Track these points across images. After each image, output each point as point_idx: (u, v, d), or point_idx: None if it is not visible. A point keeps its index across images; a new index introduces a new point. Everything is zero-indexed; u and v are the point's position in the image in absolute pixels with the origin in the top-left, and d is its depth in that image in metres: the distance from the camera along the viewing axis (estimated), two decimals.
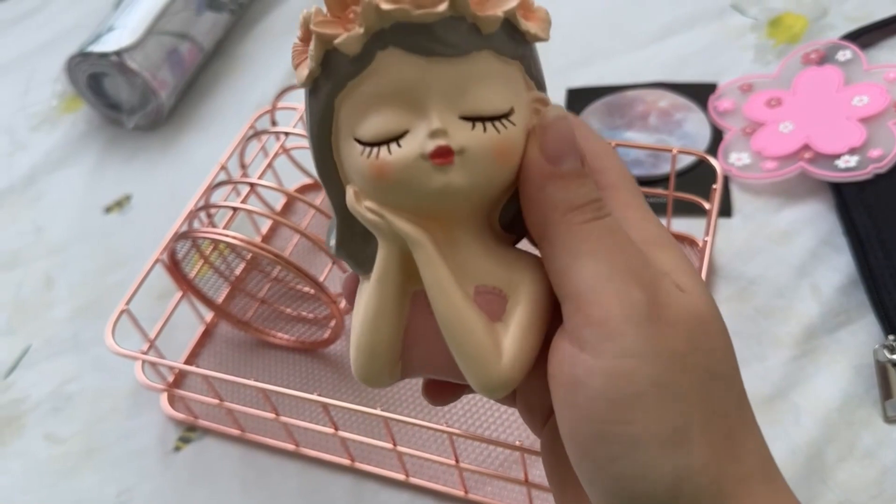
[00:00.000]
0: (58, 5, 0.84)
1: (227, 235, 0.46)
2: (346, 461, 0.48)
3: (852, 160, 0.52)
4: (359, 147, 0.23)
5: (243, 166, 0.54)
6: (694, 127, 0.60)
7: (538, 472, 0.43)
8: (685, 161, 0.57)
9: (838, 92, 0.57)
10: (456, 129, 0.22)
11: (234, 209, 0.48)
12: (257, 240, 0.55)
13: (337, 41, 0.22)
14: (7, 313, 0.60)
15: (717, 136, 0.59)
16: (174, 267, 0.50)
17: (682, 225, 0.54)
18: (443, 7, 0.21)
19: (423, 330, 0.25)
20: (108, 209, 0.65)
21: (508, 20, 0.23)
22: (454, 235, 0.24)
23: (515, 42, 0.23)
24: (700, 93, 0.61)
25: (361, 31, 0.22)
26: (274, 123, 0.56)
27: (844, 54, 0.59)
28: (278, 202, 0.61)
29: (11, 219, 0.66)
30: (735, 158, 0.56)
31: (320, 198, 0.59)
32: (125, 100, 0.68)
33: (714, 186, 0.47)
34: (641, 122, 0.61)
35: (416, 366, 0.26)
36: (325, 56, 0.22)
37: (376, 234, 0.24)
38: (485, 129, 0.22)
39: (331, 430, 0.45)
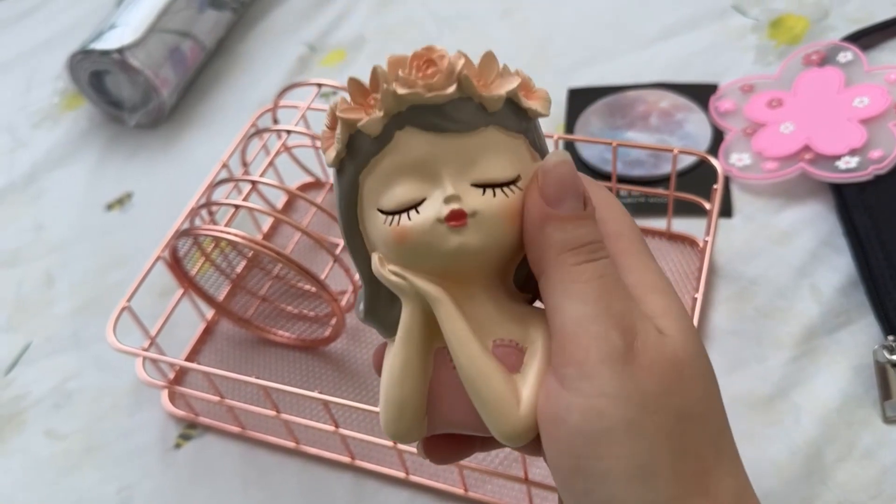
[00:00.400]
0: (59, 3, 0.84)
1: (228, 233, 0.46)
2: (346, 459, 0.48)
3: (853, 161, 0.53)
4: (382, 216, 0.25)
5: (245, 164, 0.55)
6: (695, 127, 0.60)
7: (538, 470, 0.43)
8: (686, 161, 0.57)
9: (839, 93, 0.57)
10: (468, 194, 0.25)
11: (236, 207, 0.49)
12: (259, 238, 0.55)
13: (360, 124, 0.25)
14: (8, 310, 0.60)
15: (718, 136, 0.59)
16: (175, 264, 0.50)
17: (682, 225, 0.54)
18: (451, 89, 0.24)
19: (447, 385, 0.27)
20: (110, 207, 0.65)
21: (511, 99, 0.25)
22: (472, 294, 0.26)
23: (519, 118, 0.26)
24: (701, 93, 0.62)
25: (381, 114, 0.24)
26: (275, 122, 0.56)
27: (845, 55, 0.59)
28: (280, 200, 0.61)
29: (12, 216, 0.66)
30: (736, 159, 0.57)
31: (321, 196, 0.60)
32: (127, 97, 0.68)
33: (715, 187, 0.47)
34: (642, 122, 0.61)
35: (440, 420, 0.27)
36: (349, 139, 0.25)
37: (400, 295, 0.26)
38: (494, 195, 0.25)
39: (331, 428, 0.45)
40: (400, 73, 0.24)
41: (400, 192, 0.25)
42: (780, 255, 0.52)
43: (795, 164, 0.54)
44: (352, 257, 0.27)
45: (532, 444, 0.26)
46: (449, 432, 0.28)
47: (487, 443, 0.29)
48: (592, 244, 0.25)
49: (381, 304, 0.27)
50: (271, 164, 0.55)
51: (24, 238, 0.64)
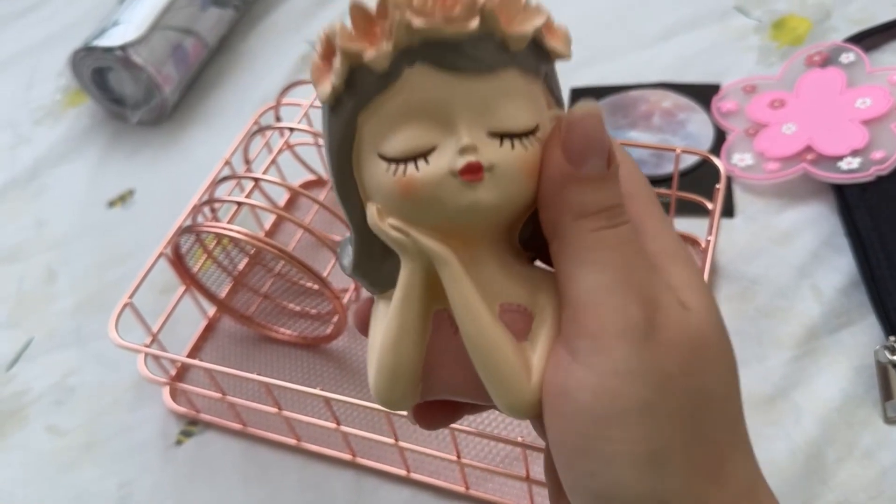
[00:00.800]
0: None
1: (230, 230, 0.46)
2: (347, 456, 0.48)
3: (854, 162, 0.53)
4: (383, 164, 0.23)
5: (247, 162, 0.55)
6: (697, 127, 0.60)
7: (539, 468, 0.43)
8: (688, 161, 0.57)
9: (841, 94, 0.57)
10: (484, 145, 0.22)
11: (238, 204, 0.49)
12: (261, 235, 0.55)
13: (366, 58, 0.22)
14: (9, 307, 0.60)
15: (720, 136, 0.59)
16: (178, 261, 0.50)
17: (684, 225, 0.54)
18: (474, 24, 0.21)
19: (445, 350, 0.25)
20: (112, 203, 0.65)
21: (534, 38, 0.23)
22: (475, 253, 0.24)
23: (539, 60, 0.23)
24: (703, 93, 0.62)
25: (390, 47, 0.21)
26: (278, 119, 0.56)
27: (847, 57, 0.59)
28: (282, 198, 0.61)
29: (14, 212, 0.66)
30: (738, 159, 0.57)
31: (324, 193, 0.60)
32: (129, 94, 0.68)
33: (717, 186, 0.47)
34: (645, 122, 0.61)
35: (437, 387, 0.25)
36: (349, 72, 0.22)
37: (399, 253, 0.24)
38: (513, 146, 0.22)
39: (333, 425, 0.45)
40: (414, 0, 0.21)
41: (407, 138, 0.22)
42: (781, 256, 0.52)
43: (797, 164, 0.54)
44: (342, 206, 0.25)
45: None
46: (444, 399, 0.26)
47: (479, 405, 0.27)
48: (614, 208, 0.23)
49: (372, 259, 0.25)
50: (274, 161, 0.55)
51: (25, 234, 0.65)
